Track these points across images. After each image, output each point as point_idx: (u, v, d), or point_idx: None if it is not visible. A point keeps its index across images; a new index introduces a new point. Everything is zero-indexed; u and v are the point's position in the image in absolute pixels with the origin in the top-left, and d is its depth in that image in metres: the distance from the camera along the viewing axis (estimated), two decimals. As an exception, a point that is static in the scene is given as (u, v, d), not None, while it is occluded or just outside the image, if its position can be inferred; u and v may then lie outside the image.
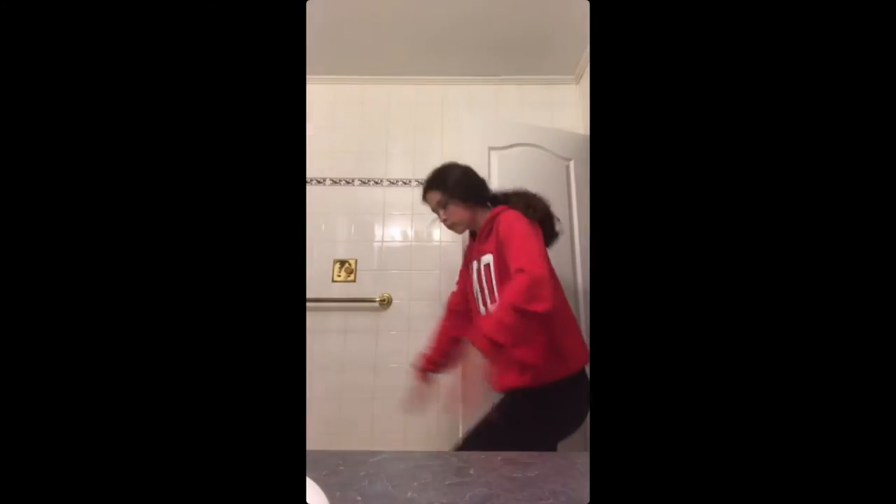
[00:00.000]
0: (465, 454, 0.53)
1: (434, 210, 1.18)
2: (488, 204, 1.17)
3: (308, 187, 1.91)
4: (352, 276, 1.83)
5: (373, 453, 0.52)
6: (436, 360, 1.25)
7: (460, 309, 1.26)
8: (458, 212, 1.14)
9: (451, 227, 1.17)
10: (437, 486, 0.44)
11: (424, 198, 1.19)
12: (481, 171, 1.25)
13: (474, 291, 1.15)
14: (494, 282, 1.06)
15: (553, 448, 1.02)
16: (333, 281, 1.82)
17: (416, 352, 1.74)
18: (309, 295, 1.74)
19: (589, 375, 1.07)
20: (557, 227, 1.13)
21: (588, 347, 1.08)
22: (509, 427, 0.99)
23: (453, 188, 1.13)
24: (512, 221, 1.02)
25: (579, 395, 1.03)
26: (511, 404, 1.03)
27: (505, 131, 1.62)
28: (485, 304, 1.09)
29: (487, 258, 1.07)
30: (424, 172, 1.91)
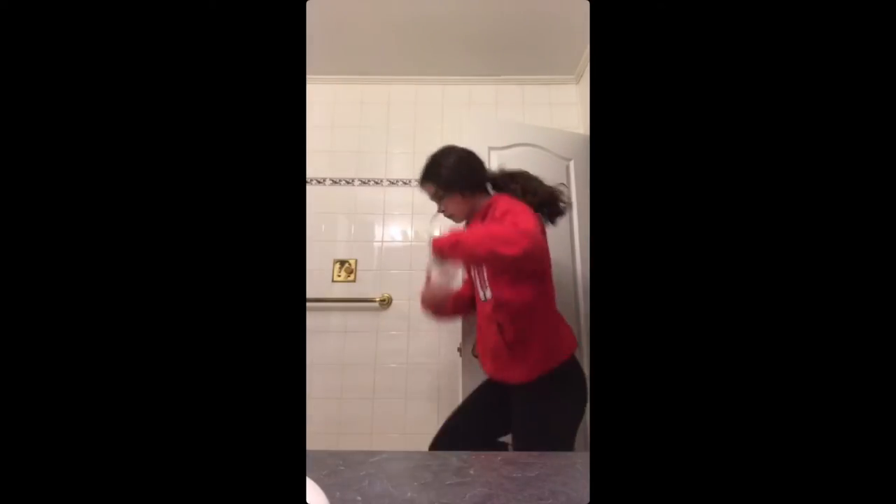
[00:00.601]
0: (465, 454, 0.53)
1: (431, 199, 1.17)
2: (488, 188, 1.15)
3: (308, 187, 1.91)
4: (352, 276, 1.83)
5: (373, 453, 0.52)
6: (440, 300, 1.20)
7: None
8: (455, 203, 1.12)
9: (450, 217, 1.16)
10: (437, 486, 0.44)
11: (422, 186, 1.17)
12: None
13: (472, 277, 1.14)
14: (483, 269, 1.07)
15: (573, 440, 1.02)
16: (333, 281, 1.82)
17: (415, 352, 1.76)
18: (309, 295, 1.74)
19: (580, 361, 1.07)
20: (562, 206, 1.11)
21: (573, 334, 1.09)
22: (529, 441, 0.99)
23: (448, 180, 1.10)
24: (510, 202, 1.03)
25: (575, 380, 1.03)
26: (522, 423, 1.02)
27: (505, 131, 1.62)
28: (482, 289, 1.09)
29: None
30: (424, 172, 1.93)
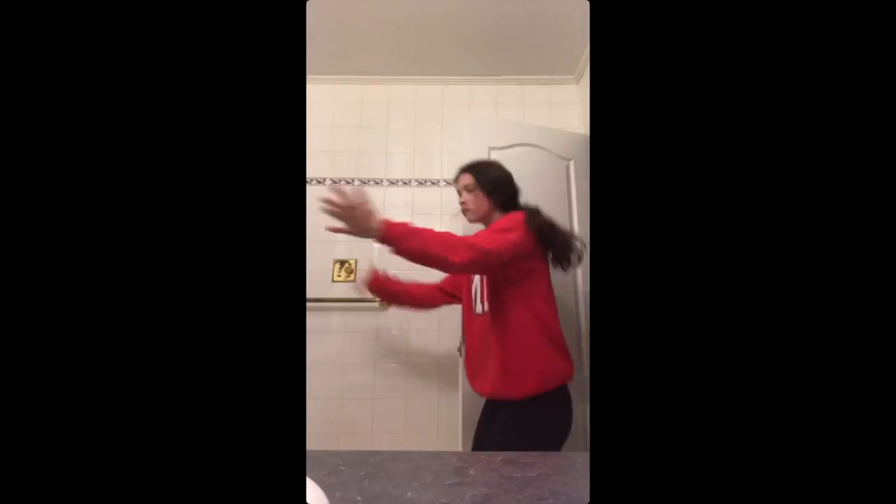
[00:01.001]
0: (465, 454, 0.53)
1: (459, 191, 1.22)
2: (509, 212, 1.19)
3: (308, 187, 1.91)
4: (352, 276, 1.83)
5: (373, 453, 0.52)
6: (393, 286, 1.33)
7: (444, 286, 1.34)
8: (478, 202, 1.17)
9: (465, 212, 1.20)
10: (437, 486, 0.44)
11: (456, 178, 1.23)
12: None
13: (472, 290, 1.16)
14: (485, 283, 1.09)
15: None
16: (333, 281, 1.82)
17: (415, 352, 1.76)
18: (309, 295, 1.74)
19: (580, 367, 1.08)
20: (572, 256, 1.12)
21: (570, 361, 1.09)
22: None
23: (487, 180, 1.17)
24: (509, 218, 1.07)
25: (563, 408, 1.03)
26: (501, 431, 1.03)
27: (505, 131, 1.62)
28: (481, 302, 1.11)
29: None
30: (424, 172, 1.94)
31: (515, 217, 1.07)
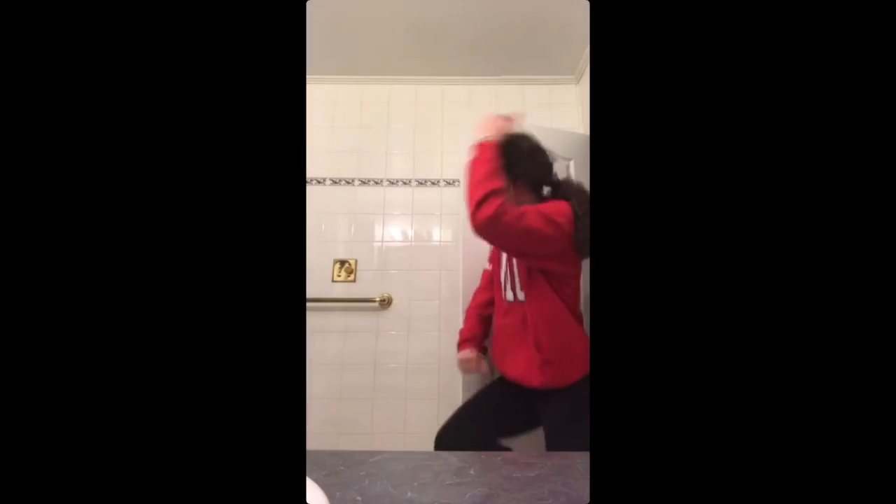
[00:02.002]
0: (465, 454, 0.53)
1: None
2: (543, 190, 1.10)
3: (308, 187, 1.91)
4: (352, 276, 1.83)
5: (373, 453, 0.52)
6: (470, 338, 1.26)
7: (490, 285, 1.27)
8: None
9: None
10: (437, 486, 0.44)
11: None
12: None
13: (501, 275, 1.14)
14: (517, 271, 1.07)
15: None
16: (333, 281, 1.82)
17: (415, 352, 1.76)
18: (309, 295, 1.74)
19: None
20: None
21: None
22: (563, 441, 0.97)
23: (509, 161, 1.08)
24: (557, 204, 1.01)
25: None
26: (559, 420, 1.01)
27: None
28: (512, 289, 1.09)
29: None
30: (424, 172, 1.94)
31: (562, 209, 0.99)
